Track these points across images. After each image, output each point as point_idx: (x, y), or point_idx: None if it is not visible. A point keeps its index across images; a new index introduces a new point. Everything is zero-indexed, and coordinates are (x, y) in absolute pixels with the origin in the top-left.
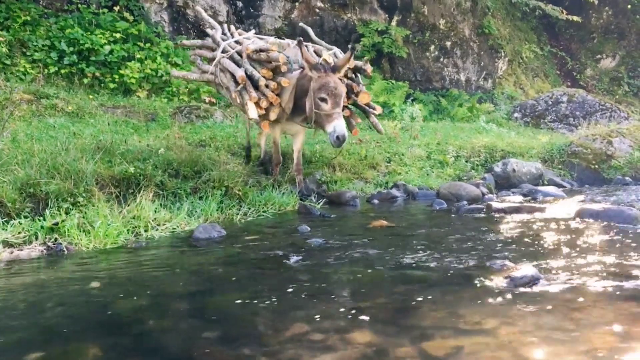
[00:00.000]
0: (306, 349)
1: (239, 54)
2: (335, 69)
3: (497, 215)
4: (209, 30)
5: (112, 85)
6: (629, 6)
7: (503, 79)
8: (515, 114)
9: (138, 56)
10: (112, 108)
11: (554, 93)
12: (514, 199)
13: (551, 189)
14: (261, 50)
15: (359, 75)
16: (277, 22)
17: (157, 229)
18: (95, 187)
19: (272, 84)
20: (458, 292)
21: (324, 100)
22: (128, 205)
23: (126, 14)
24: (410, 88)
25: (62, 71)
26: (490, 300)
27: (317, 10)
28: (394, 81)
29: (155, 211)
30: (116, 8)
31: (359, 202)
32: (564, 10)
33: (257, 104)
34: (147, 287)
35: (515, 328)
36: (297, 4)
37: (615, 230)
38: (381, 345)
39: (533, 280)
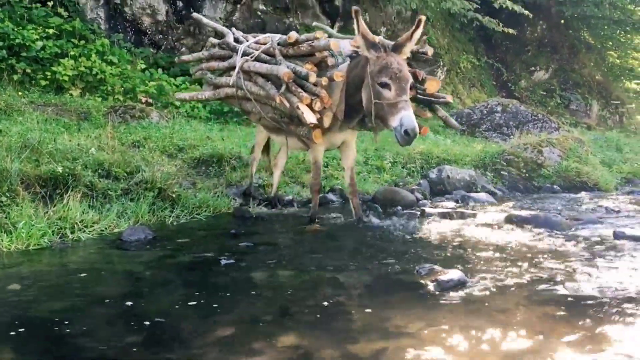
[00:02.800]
0: (231, 352)
1: (268, 53)
2: (397, 48)
3: (429, 220)
4: (212, 40)
5: (43, 83)
6: (562, 21)
7: (441, 88)
8: None
9: (72, 53)
10: (42, 106)
11: (489, 103)
12: (447, 204)
13: (483, 195)
14: (305, 41)
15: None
16: (218, 24)
17: (84, 231)
18: (20, 187)
19: (323, 80)
20: (386, 296)
21: (386, 85)
22: (54, 206)
23: (60, 10)
24: None
25: None
26: (417, 303)
27: (259, 13)
28: None
29: (83, 212)
30: (50, 3)
31: (296, 206)
32: (500, 23)
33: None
34: (70, 290)
35: (440, 330)
36: (238, 5)
37: (541, 236)
38: (306, 348)
39: (459, 284)
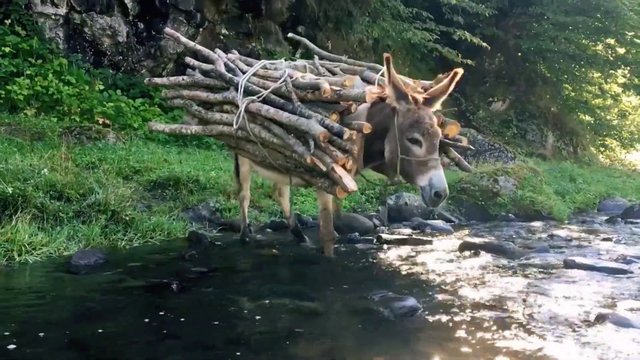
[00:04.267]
0: None
1: (277, 93)
2: (429, 101)
3: (386, 247)
4: (192, 61)
5: None
6: (519, 54)
7: None
8: None
9: (28, 72)
10: None
11: None
12: (404, 231)
13: (439, 223)
14: (333, 89)
15: None
16: (180, 47)
17: (32, 253)
18: None
19: (353, 135)
20: (340, 322)
21: (416, 142)
22: (2, 228)
23: (18, 28)
24: None
25: None
26: (371, 329)
27: (222, 37)
28: None
29: (32, 234)
30: (7, 21)
31: (252, 231)
32: (459, 54)
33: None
34: (15, 314)
35: (393, 356)
36: (201, 29)
37: (494, 264)
38: None
39: (413, 311)
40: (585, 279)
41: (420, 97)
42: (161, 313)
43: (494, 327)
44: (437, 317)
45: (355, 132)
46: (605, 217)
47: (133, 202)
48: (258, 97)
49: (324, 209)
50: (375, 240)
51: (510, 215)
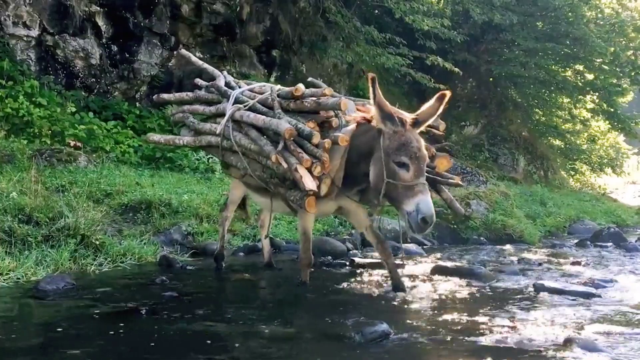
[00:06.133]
0: None
1: (265, 104)
2: (416, 124)
3: (358, 270)
4: (199, 81)
5: None
6: (491, 79)
7: None
8: None
9: None
10: None
11: None
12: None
13: (412, 246)
14: (310, 96)
15: None
16: (154, 69)
17: None
18: None
19: (326, 142)
20: (311, 347)
21: (403, 165)
22: None
23: None
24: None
25: None
26: (341, 354)
27: None
28: None
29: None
30: None
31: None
32: (432, 79)
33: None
34: None
35: None
36: (175, 52)
37: (465, 287)
38: None
39: (384, 335)
40: (554, 303)
41: (408, 119)
42: (130, 339)
43: (465, 353)
44: (408, 342)
45: (329, 141)
46: (575, 241)
47: (103, 226)
48: (245, 106)
49: (303, 234)
50: (348, 264)
51: (482, 238)
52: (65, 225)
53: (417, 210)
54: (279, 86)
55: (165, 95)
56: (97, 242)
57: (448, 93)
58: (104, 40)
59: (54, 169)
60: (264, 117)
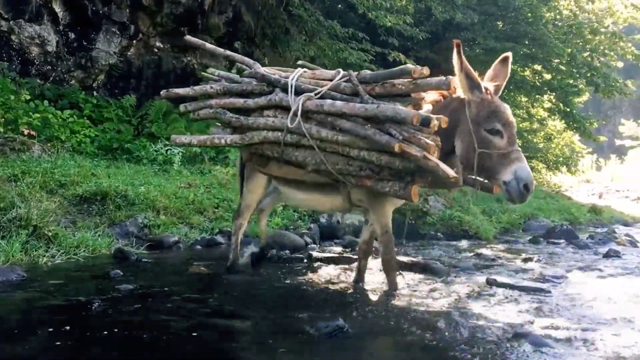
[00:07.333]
0: None
1: (338, 91)
2: (497, 91)
3: (316, 265)
4: (217, 72)
5: None
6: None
7: None
8: None
9: None
10: None
11: None
12: (335, 249)
13: None
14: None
15: None
16: (112, 58)
17: None
18: None
19: (435, 125)
20: (265, 341)
21: (497, 133)
22: None
23: None
24: None
25: None
26: (295, 348)
27: (156, 50)
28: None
29: None
30: None
31: (182, 248)
32: None
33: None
34: None
35: None
36: (134, 41)
37: (420, 282)
38: None
39: (338, 329)
40: (505, 298)
41: (490, 86)
42: (82, 333)
43: (417, 347)
44: (362, 336)
45: (445, 119)
46: (529, 237)
47: (57, 217)
48: (315, 94)
49: (385, 232)
50: (305, 258)
51: (438, 234)
52: (16, 216)
53: (516, 179)
54: (351, 71)
55: (179, 90)
56: (50, 234)
57: (510, 54)
58: (61, 27)
59: (7, 158)
60: (360, 104)
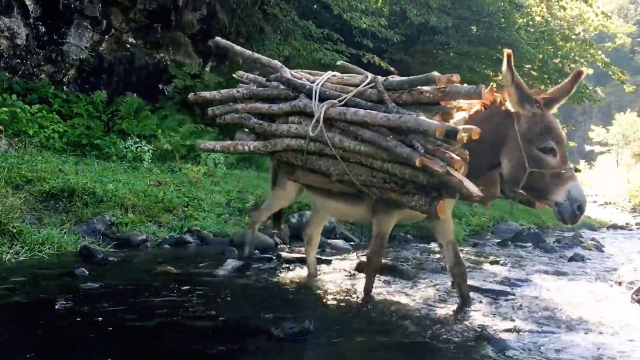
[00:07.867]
0: None
1: (363, 97)
2: (550, 103)
3: (284, 265)
4: (247, 75)
5: None
6: None
7: None
8: None
9: None
10: None
11: None
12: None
13: (340, 242)
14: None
15: None
16: (83, 53)
17: None
18: None
19: (463, 138)
20: (230, 341)
21: (550, 151)
22: None
23: None
24: (221, 134)
25: None
26: (261, 349)
27: (128, 46)
28: (203, 126)
29: None
30: None
31: (150, 246)
32: None
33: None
34: None
35: None
36: (106, 36)
37: (387, 284)
38: None
39: (303, 330)
40: (471, 300)
41: (540, 99)
42: (44, 332)
43: (381, 348)
44: (327, 338)
45: (467, 134)
46: (497, 240)
47: (22, 214)
48: (340, 101)
49: (381, 237)
50: (275, 258)
51: (408, 236)
52: None
53: (570, 200)
54: (378, 76)
55: (206, 94)
56: (15, 230)
57: (584, 71)
58: (31, 20)
59: None
60: (383, 114)
